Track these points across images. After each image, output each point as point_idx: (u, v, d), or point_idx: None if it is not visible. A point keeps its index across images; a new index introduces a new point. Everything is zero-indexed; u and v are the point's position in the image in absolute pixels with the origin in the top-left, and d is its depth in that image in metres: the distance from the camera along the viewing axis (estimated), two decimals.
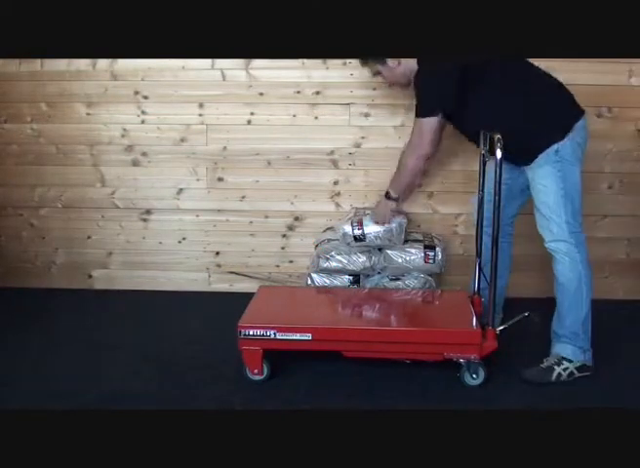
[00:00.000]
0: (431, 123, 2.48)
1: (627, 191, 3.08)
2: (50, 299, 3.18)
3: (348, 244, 2.81)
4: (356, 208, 3.03)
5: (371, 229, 2.78)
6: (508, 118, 2.40)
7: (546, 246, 2.48)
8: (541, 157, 2.40)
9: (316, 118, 3.09)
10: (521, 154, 2.43)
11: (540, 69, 2.49)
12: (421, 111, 2.50)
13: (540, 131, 2.38)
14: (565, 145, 2.39)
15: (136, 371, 2.43)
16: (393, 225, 2.77)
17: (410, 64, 2.52)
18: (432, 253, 2.78)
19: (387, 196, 2.72)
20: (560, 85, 2.48)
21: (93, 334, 2.79)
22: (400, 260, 2.77)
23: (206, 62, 3.06)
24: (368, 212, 2.89)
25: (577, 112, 2.45)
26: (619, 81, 2.96)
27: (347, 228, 2.80)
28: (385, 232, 2.77)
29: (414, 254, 2.78)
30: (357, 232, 2.78)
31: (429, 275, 2.82)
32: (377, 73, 2.75)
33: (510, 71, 2.46)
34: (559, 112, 2.44)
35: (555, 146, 2.38)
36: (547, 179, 2.42)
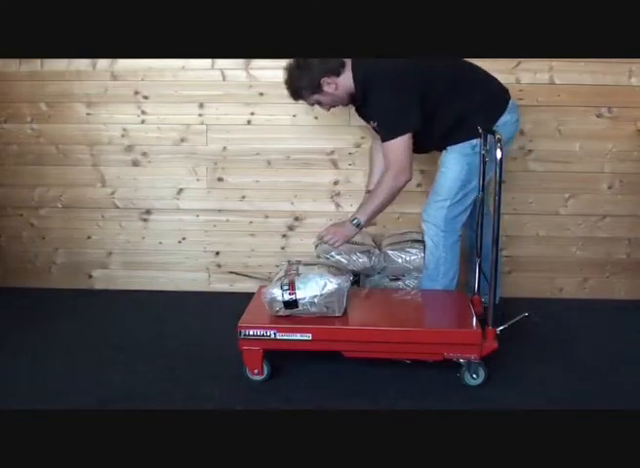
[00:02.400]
0: (406, 141, 2.39)
1: (627, 191, 3.08)
2: (50, 299, 3.18)
3: (277, 311, 2.33)
4: (288, 261, 2.57)
5: (305, 293, 2.29)
6: (445, 118, 2.47)
7: (421, 224, 2.65)
8: (455, 147, 2.50)
9: (316, 118, 3.09)
10: (439, 143, 2.54)
11: (468, 64, 2.55)
12: (394, 130, 2.39)
13: (465, 127, 2.44)
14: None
15: (135, 371, 2.43)
16: (333, 288, 2.30)
17: (347, 82, 2.47)
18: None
19: (353, 222, 2.51)
20: (489, 80, 2.56)
21: (93, 334, 2.79)
22: (400, 261, 2.77)
23: (206, 62, 3.06)
24: (302, 268, 2.42)
25: (501, 110, 2.51)
26: (619, 81, 2.96)
27: (276, 292, 2.30)
28: (323, 298, 2.30)
29: (414, 255, 2.77)
30: (288, 297, 2.29)
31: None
32: (314, 103, 2.57)
33: (450, 74, 2.49)
34: (483, 110, 2.50)
35: (474, 141, 2.46)
36: (451, 166, 2.53)
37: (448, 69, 2.48)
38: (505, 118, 2.51)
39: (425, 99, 2.42)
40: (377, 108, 2.46)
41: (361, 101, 2.53)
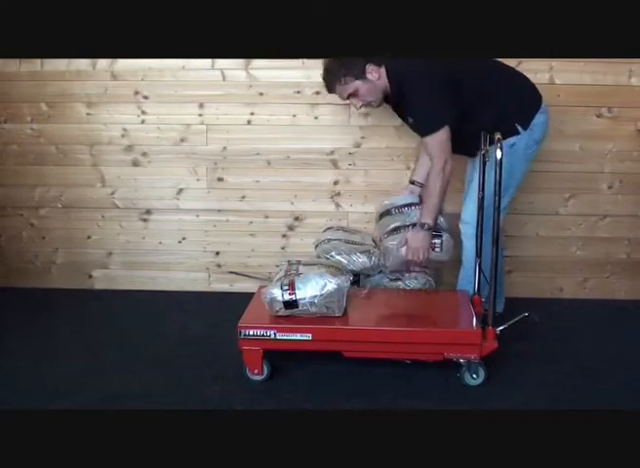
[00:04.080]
0: (446, 133, 2.40)
1: (627, 191, 3.08)
2: (50, 299, 3.18)
3: (277, 311, 2.34)
4: (288, 261, 2.56)
5: (305, 293, 2.30)
6: (483, 117, 2.45)
7: (459, 224, 2.67)
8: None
9: (316, 118, 3.09)
10: (478, 142, 2.47)
11: (501, 64, 2.56)
12: (433, 124, 2.40)
13: (503, 124, 2.40)
14: (521, 139, 2.48)
15: (135, 371, 2.43)
16: (333, 288, 2.30)
17: (384, 77, 2.47)
18: (439, 241, 2.57)
19: (424, 227, 2.50)
20: (522, 78, 2.57)
21: (93, 334, 2.79)
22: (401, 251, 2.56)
23: (206, 62, 3.06)
24: (302, 268, 2.42)
25: (536, 108, 2.52)
26: (619, 81, 2.96)
27: (276, 292, 2.30)
28: (323, 298, 2.30)
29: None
30: (288, 297, 2.30)
31: (435, 268, 2.74)
32: (349, 96, 2.52)
33: (478, 71, 2.49)
34: (521, 108, 2.51)
35: (513, 139, 2.45)
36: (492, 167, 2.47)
37: (483, 68, 2.51)
38: (539, 118, 2.51)
39: (459, 96, 2.41)
40: (411, 105, 2.47)
41: (396, 99, 2.53)
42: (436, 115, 2.42)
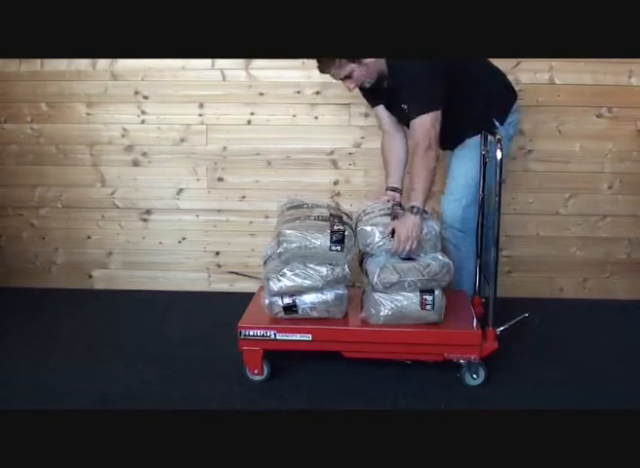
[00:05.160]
0: (437, 116, 2.28)
1: (627, 191, 3.08)
2: (50, 299, 3.18)
3: (276, 314, 2.31)
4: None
5: (305, 298, 2.29)
6: (468, 109, 2.44)
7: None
8: (472, 140, 2.46)
9: (316, 118, 3.09)
10: (458, 136, 2.48)
11: (486, 61, 2.56)
12: (426, 105, 2.28)
13: (483, 119, 2.41)
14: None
15: (136, 372, 2.43)
16: (334, 294, 2.29)
17: (380, 61, 2.39)
18: (430, 298, 2.25)
19: (413, 211, 2.28)
20: (502, 76, 2.58)
21: (93, 334, 2.79)
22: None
23: (206, 62, 3.06)
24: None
25: (512, 106, 2.53)
26: (619, 81, 2.96)
27: (276, 295, 2.29)
28: (322, 303, 2.29)
29: (405, 299, 2.26)
30: (287, 301, 2.28)
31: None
32: (344, 77, 2.39)
33: (468, 68, 2.45)
34: (500, 103, 2.51)
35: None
36: (467, 161, 2.47)
37: (470, 64, 2.46)
38: (514, 116, 2.52)
39: (449, 91, 2.34)
40: (408, 85, 2.34)
41: (393, 83, 2.41)
42: (433, 96, 2.31)
